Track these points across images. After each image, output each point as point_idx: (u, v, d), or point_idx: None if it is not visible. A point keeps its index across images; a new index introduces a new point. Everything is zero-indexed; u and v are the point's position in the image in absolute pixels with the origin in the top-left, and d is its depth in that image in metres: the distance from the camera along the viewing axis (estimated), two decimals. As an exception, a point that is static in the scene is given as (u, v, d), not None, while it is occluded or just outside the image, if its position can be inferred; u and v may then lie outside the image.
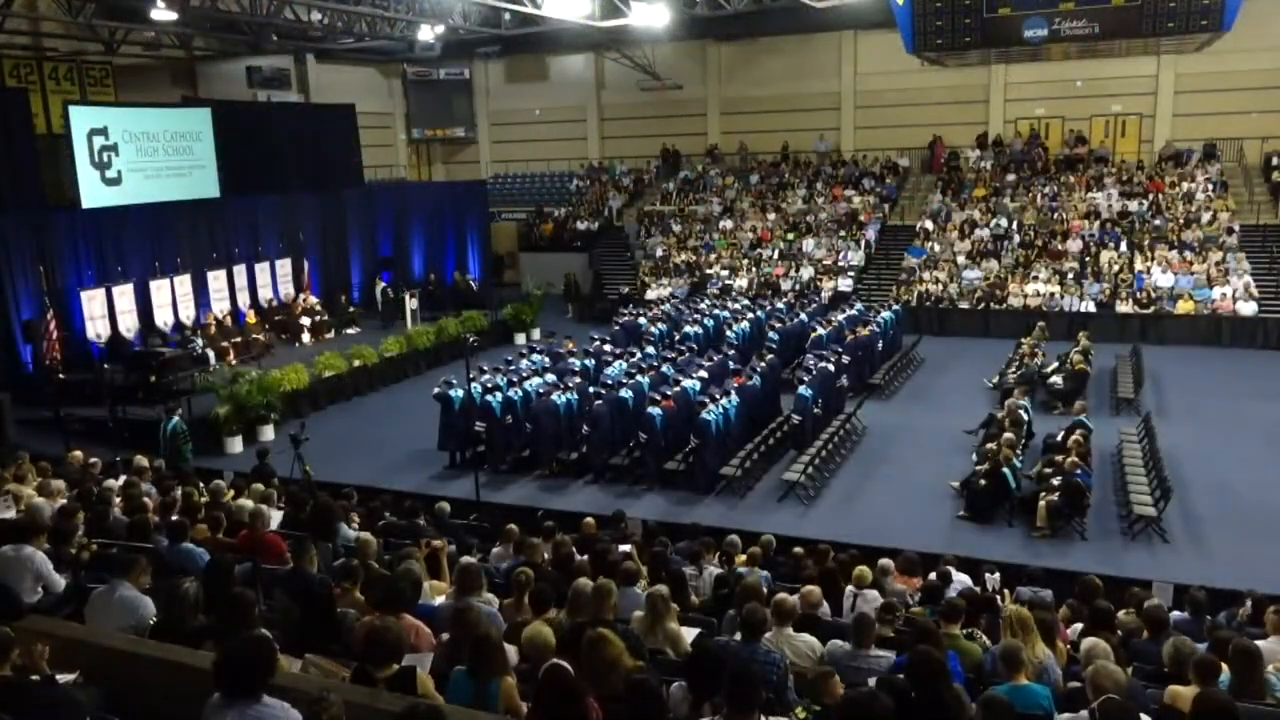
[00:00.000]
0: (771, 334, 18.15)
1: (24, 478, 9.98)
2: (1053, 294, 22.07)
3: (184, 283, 20.38)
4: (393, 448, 15.03)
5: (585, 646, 4.56)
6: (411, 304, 22.67)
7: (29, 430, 15.29)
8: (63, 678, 4.32)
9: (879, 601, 6.93)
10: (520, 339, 22.95)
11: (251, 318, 21.19)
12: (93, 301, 18.50)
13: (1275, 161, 24.40)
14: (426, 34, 24.59)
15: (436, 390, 14.20)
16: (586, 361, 16.24)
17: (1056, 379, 16.19)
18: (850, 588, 7.38)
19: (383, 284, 23.95)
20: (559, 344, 18.01)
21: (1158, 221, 23.59)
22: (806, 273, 25.11)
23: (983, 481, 11.55)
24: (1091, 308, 21.56)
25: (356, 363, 18.68)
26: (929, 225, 25.77)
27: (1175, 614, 7.17)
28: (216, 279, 21.26)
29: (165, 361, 16.80)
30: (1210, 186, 24.42)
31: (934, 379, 18.64)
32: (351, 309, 23.74)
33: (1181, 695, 4.73)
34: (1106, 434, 13.83)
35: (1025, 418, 13.63)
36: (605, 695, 4.24)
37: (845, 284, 24.40)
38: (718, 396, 13.25)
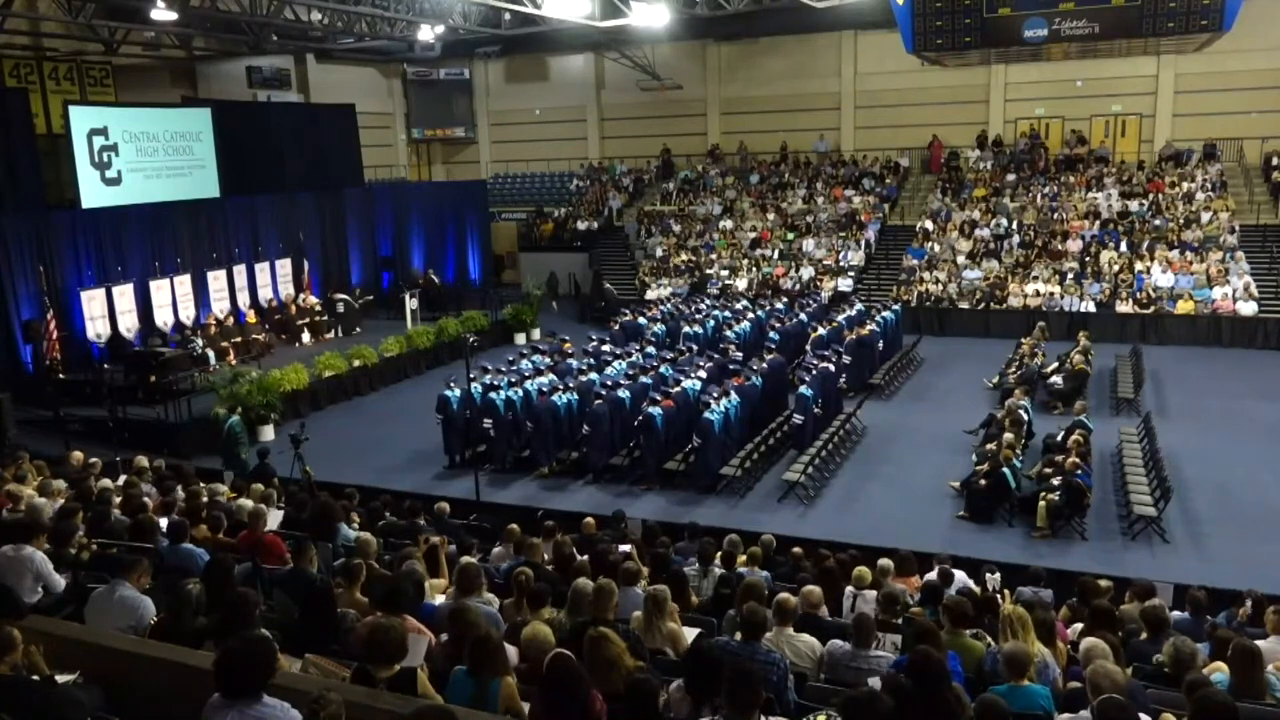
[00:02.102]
0: (771, 334, 18.15)
1: (24, 478, 9.98)
2: (1053, 294, 22.07)
3: (184, 283, 20.40)
4: (393, 448, 15.03)
5: (586, 645, 4.57)
6: (411, 304, 22.67)
7: (29, 430, 15.29)
8: (63, 678, 4.33)
9: (876, 602, 6.93)
10: (520, 339, 22.96)
11: (251, 318, 21.19)
12: (93, 301, 18.52)
13: (1275, 161, 24.39)
14: (426, 34, 24.60)
15: (437, 408, 14.19)
16: (587, 361, 16.24)
17: (1056, 379, 16.19)
18: (850, 588, 7.38)
19: (342, 296, 23.33)
20: (557, 344, 18.03)
21: (1158, 221, 23.60)
22: (806, 273, 25.11)
23: (983, 481, 11.55)
24: (1091, 308, 21.55)
25: (356, 363, 18.68)
26: (929, 225, 25.77)
27: (1175, 614, 7.17)
28: (216, 279, 21.27)
29: (165, 361, 16.80)
30: (1210, 186, 24.43)
31: (934, 379, 18.64)
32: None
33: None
34: (1106, 434, 13.84)
35: (1025, 418, 13.62)
36: (605, 694, 4.24)
37: (845, 284, 24.41)
38: (718, 396, 13.25)
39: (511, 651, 4.88)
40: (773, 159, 30.48)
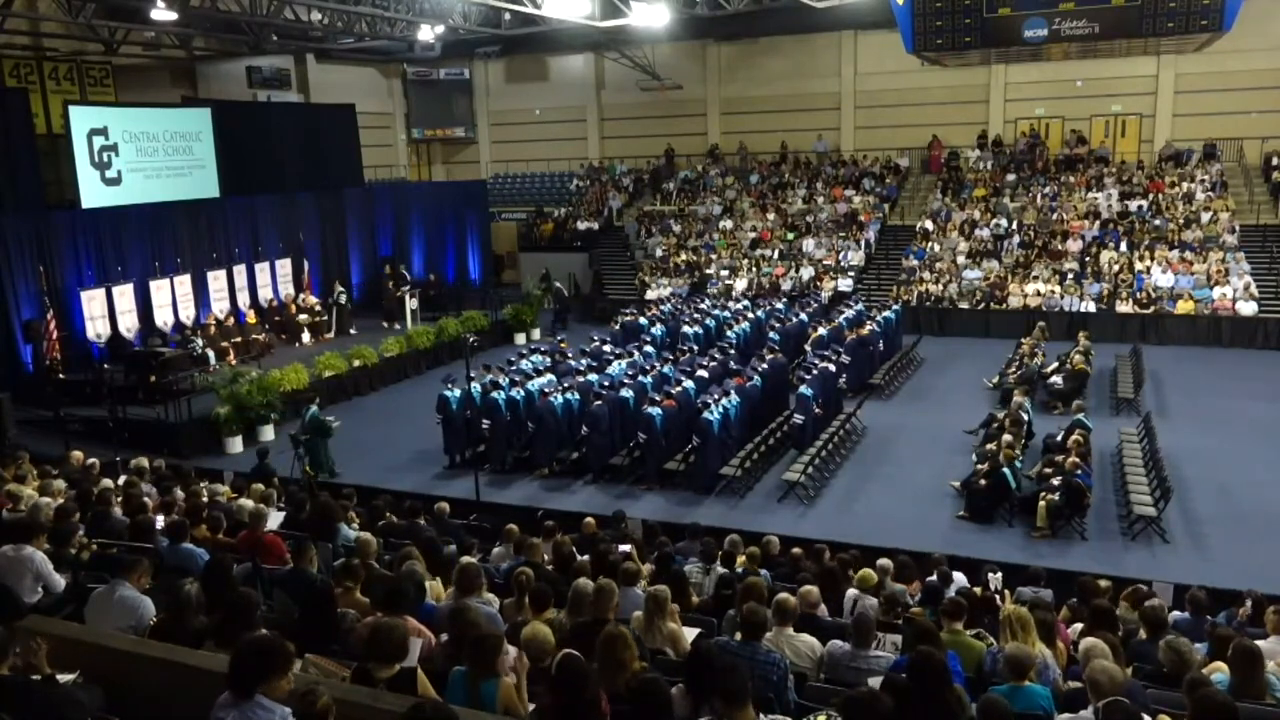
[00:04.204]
0: (772, 334, 18.16)
1: (24, 478, 9.98)
2: (1053, 294, 22.07)
3: (184, 283, 20.39)
4: (393, 448, 15.03)
5: (602, 642, 4.55)
6: (412, 304, 22.66)
7: (29, 430, 15.29)
8: (63, 678, 4.32)
9: (876, 608, 6.90)
10: (520, 339, 22.96)
11: (251, 318, 21.19)
12: (93, 301, 18.51)
13: (1275, 161, 24.39)
14: (426, 34, 24.58)
15: (437, 408, 14.19)
16: (586, 361, 16.23)
17: (1056, 379, 16.19)
18: (853, 591, 7.33)
19: (339, 289, 23.23)
20: (555, 344, 18.05)
21: (1158, 221, 23.59)
22: (806, 273, 25.11)
23: (983, 481, 11.55)
24: (1091, 308, 21.56)
25: (356, 363, 18.68)
26: (929, 225, 25.77)
27: (1175, 614, 7.17)
28: (216, 279, 21.26)
29: (165, 361, 16.80)
30: (1210, 186, 24.43)
31: (934, 379, 18.64)
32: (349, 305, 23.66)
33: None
34: (1106, 434, 13.84)
35: (1025, 418, 13.62)
36: (609, 694, 4.24)
37: (845, 284, 24.41)
38: (718, 397, 13.24)
39: (511, 651, 4.87)
40: (773, 159, 30.46)
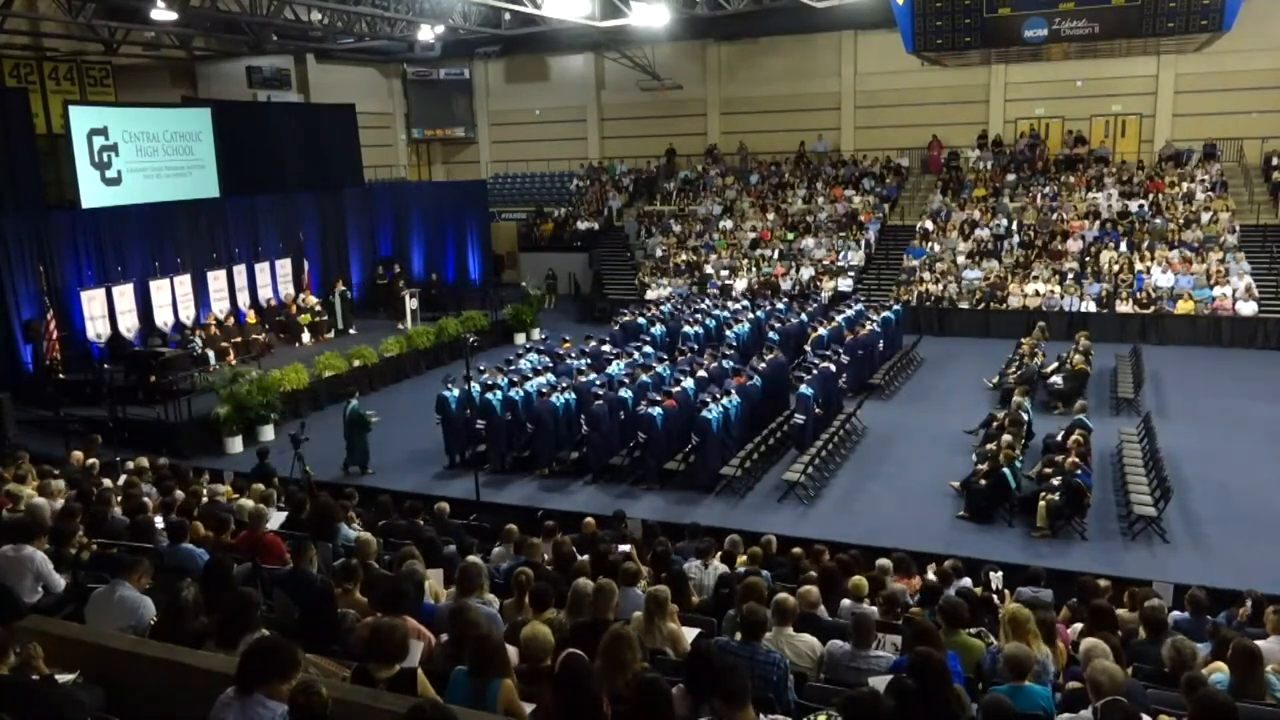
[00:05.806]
0: (771, 334, 18.15)
1: (24, 478, 9.98)
2: (1053, 294, 22.07)
3: (184, 283, 20.38)
4: (393, 448, 15.00)
5: (607, 642, 4.55)
6: (412, 304, 22.66)
7: (29, 430, 15.29)
8: (63, 678, 4.33)
9: (875, 615, 6.87)
10: (520, 339, 22.96)
11: (251, 318, 21.18)
12: (93, 301, 18.51)
13: (1275, 161, 24.39)
14: (426, 34, 24.60)
15: (437, 408, 14.22)
16: (585, 361, 16.22)
17: (1056, 379, 16.19)
18: (847, 601, 7.25)
19: (341, 288, 23.24)
20: (555, 344, 18.03)
21: (1158, 221, 23.59)
22: (806, 273, 25.11)
23: (983, 482, 11.55)
24: (1091, 308, 21.56)
25: (356, 363, 18.67)
26: (929, 225, 25.77)
27: (1175, 614, 7.17)
28: (216, 279, 21.26)
29: (165, 361, 16.79)
30: (1210, 186, 24.43)
31: (934, 379, 18.64)
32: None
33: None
34: (1106, 434, 13.83)
35: (1025, 418, 13.62)
36: (610, 695, 4.24)
37: (845, 284, 24.41)
38: (718, 396, 13.24)
39: (511, 651, 4.87)
40: (778, 158, 30.37)
